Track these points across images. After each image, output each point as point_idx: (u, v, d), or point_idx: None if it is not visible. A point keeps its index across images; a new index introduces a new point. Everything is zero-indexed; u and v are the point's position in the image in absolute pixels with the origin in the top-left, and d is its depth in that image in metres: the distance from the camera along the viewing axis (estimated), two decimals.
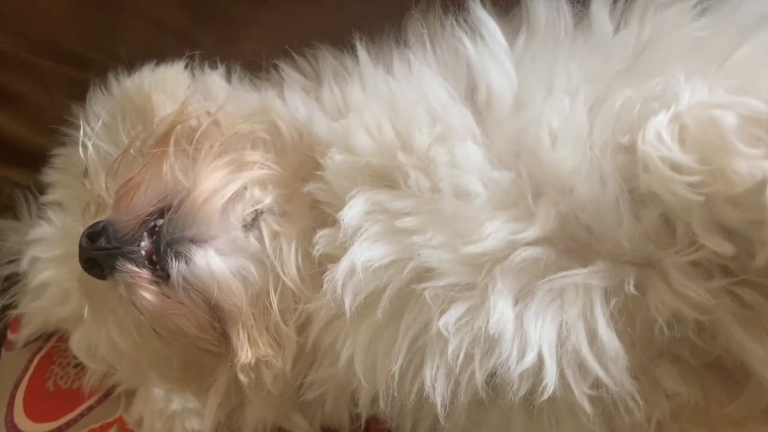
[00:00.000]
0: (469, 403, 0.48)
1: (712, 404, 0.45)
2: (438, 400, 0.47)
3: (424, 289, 0.46)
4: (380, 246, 0.48)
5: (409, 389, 0.49)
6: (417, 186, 0.47)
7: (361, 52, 0.58)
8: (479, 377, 0.45)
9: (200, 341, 0.54)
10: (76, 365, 0.73)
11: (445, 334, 0.45)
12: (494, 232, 0.45)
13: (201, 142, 0.56)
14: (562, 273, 0.44)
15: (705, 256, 0.41)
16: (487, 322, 0.44)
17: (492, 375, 0.45)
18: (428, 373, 0.47)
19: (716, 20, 0.47)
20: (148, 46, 0.70)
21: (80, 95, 0.68)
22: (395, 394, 0.49)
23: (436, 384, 0.46)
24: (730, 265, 0.41)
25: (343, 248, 0.49)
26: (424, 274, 0.46)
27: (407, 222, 0.47)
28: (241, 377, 0.53)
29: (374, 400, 0.52)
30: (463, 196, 0.46)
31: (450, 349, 0.45)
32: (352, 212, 0.48)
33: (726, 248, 0.39)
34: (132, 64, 0.66)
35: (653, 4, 0.49)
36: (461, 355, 0.45)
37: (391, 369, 0.48)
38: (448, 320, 0.45)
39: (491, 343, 0.44)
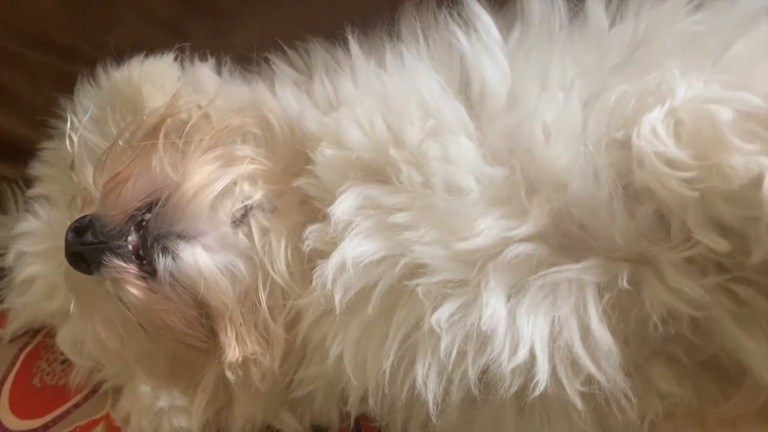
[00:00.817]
0: (462, 401, 0.47)
1: (706, 404, 0.45)
2: (430, 397, 0.46)
3: (417, 285, 0.45)
4: (372, 241, 0.47)
5: (400, 387, 0.48)
6: (409, 181, 0.47)
7: (353, 45, 0.57)
8: (472, 374, 0.45)
9: (187, 338, 0.53)
10: (63, 361, 0.73)
11: (438, 330, 0.44)
12: (487, 228, 0.44)
13: (191, 135, 0.55)
14: (555, 268, 0.43)
15: (700, 252, 0.40)
16: (480, 318, 0.43)
17: (484, 371, 0.45)
18: (420, 371, 0.46)
19: (712, 15, 0.47)
20: (137, 38, 0.70)
21: (69, 88, 0.68)
22: (386, 391, 0.48)
23: (427, 381, 0.46)
24: (725, 262, 0.41)
25: (334, 244, 0.48)
26: (416, 270, 0.46)
27: (399, 217, 0.46)
28: (229, 375, 0.53)
29: (364, 398, 0.52)
30: (456, 192, 0.46)
31: (442, 345, 0.45)
32: (342, 207, 0.48)
33: (721, 245, 0.39)
34: (121, 56, 0.65)
35: None
36: (453, 352, 0.44)
37: (381, 366, 0.47)
38: (440, 316, 0.44)
39: (483, 339, 0.44)
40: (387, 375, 0.47)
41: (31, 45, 0.76)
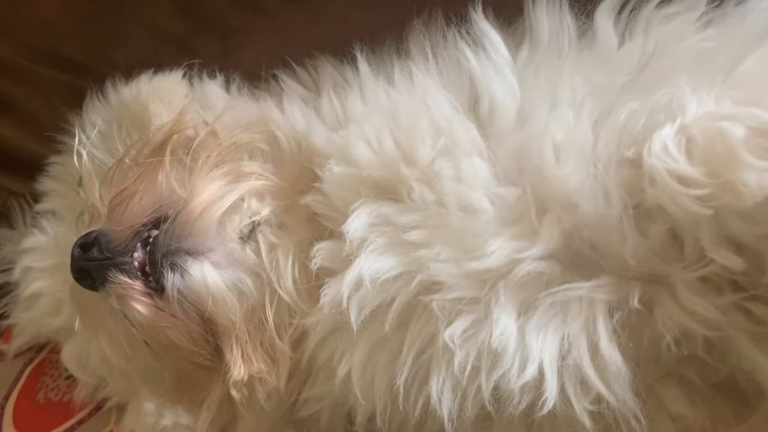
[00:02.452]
0: (475, 418, 0.47)
1: (719, 427, 0.44)
2: (445, 413, 0.46)
3: (432, 300, 0.45)
4: (387, 258, 0.46)
5: (413, 403, 0.48)
6: (422, 199, 0.46)
7: (362, 62, 0.57)
8: (486, 390, 0.44)
9: (193, 355, 0.53)
10: (68, 377, 0.72)
11: (452, 346, 0.44)
12: (498, 249, 0.44)
13: (198, 152, 0.55)
14: (566, 286, 0.43)
15: (714, 271, 0.40)
16: (491, 335, 0.43)
17: (495, 388, 0.44)
18: (434, 386, 0.46)
19: (722, 31, 0.47)
20: (146, 53, 0.70)
21: (78, 103, 0.68)
22: (400, 408, 0.48)
23: (442, 398, 0.46)
24: (740, 280, 0.40)
25: (342, 261, 0.48)
26: (432, 286, 0.45)
27: (414, 235, 0.46)
28: (234, 393, 0.52)
29: (371, 417, 0.51)
30: (470, 211, 0.45)
31: (456, 361, 0.44)
32: (356, 224, 0.47)
33: (736, 263, 0.38)
34: (130, 71, 0.66)
35: (658, 16, 0.48)
36: (467, 368, 0.44)
37: (392, 383, 0.47)
38: (454, 332, 0.44)
39: (494, 356, 0.43)
40: (401, 391, 0.47)
41: (41, 60, 0.77)
